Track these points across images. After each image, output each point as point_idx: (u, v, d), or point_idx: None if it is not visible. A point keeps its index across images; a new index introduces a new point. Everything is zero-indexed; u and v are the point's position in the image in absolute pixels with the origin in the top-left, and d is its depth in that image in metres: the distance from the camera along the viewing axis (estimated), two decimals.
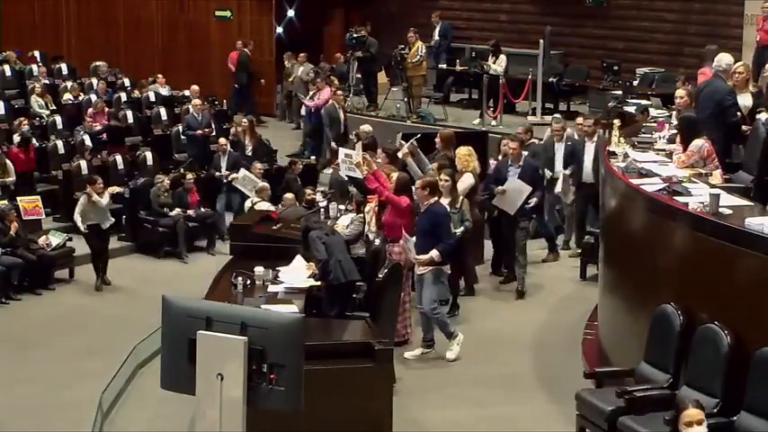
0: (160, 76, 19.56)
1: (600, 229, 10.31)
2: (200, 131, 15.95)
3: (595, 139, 12.60)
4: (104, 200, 12.62)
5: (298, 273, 9.31)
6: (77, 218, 12.44)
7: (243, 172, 14.30)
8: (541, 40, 17.59)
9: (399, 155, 11.42)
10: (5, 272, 11.91)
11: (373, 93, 19.01)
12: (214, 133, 16.40)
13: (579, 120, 13.70)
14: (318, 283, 9.15)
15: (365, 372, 7.68)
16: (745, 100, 9.71)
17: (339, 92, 17.87)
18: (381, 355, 7.68)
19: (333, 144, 16.30)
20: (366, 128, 14.25)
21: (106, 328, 11.09)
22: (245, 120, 16.60)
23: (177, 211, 13.86)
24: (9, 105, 17.30)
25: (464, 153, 11.62)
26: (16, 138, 15.00)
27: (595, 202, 11.99)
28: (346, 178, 11.51)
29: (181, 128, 16.32)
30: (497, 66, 17.88)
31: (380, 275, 9.07)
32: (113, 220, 12.88)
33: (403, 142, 11.76)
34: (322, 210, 11.37)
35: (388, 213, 10.10)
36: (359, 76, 19.40)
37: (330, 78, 18.70)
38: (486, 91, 17.48)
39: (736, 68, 9.88)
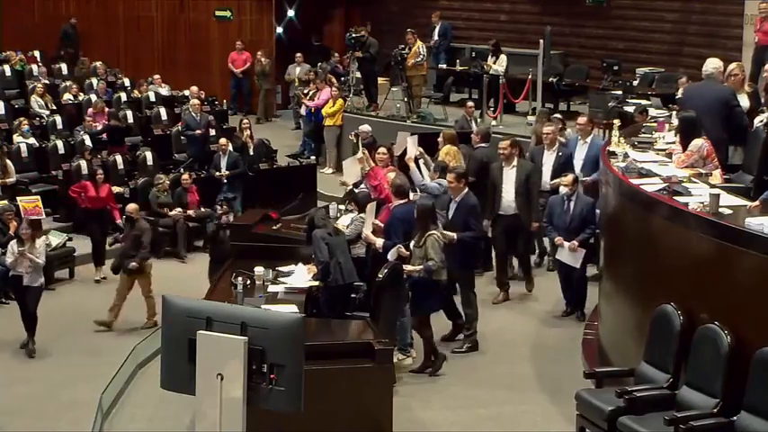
0: (157, 76, 19.57)
1: (600, 229, 10.30)
2: (198, 131, 15.99)
3: (515, 162, 11.26)
4: (34, 254, 10.40)
5: (299, 275, 9.33)
6: (8, 263, 10.66)
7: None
8: (541, 40, 17.58)
9: (405, 158, 11.49)
10: (5, 272, 11.89)
11: (373, 93, 19.02)
12: (214, 133, 16.45)
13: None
14: (318, 283, 9.15)
15: (365, 372, 7.69)
16: (741, 101, 9.72)
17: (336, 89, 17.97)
18: (381, 355, 7.69)
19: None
20: (365, 128, 14.27)
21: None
22: (245, 120, 16.57)
23: (177, 210, 13.86)
24: (9, 105, 17.32)
25: (455, 152, 11.79)
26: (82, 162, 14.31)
27: (519, 236, 11.38)
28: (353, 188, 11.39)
29: (179, 128, 16.35)
30: (498, 66, 17.88)
31: (381, 276, 9.07)
32: (42, 283, 10.57)
33: (419, 148, 11.82)
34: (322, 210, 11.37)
35: (383, 213, 10.15)
36: (359, 75, 19.43)
37: (328, 77, 18.74)
38: (486, 91, 17.49)
39: (732, 70, 9.88)
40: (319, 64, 20.81)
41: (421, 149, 11.75)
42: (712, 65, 9.75)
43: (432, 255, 9.17)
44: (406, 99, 17.87)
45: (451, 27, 21.05)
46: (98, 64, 20.11)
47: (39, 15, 23.66)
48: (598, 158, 11.39)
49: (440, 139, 12.36)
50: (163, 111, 17.55)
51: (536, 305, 11.40)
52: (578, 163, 11.96)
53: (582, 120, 12.53)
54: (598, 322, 9.84)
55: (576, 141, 12.32)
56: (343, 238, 9.53)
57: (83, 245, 13.10)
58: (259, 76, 21.34)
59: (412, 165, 11.26)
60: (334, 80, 18.93)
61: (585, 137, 12.23)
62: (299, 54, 20.81)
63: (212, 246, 12.06)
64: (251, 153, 15.66)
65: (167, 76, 19.93)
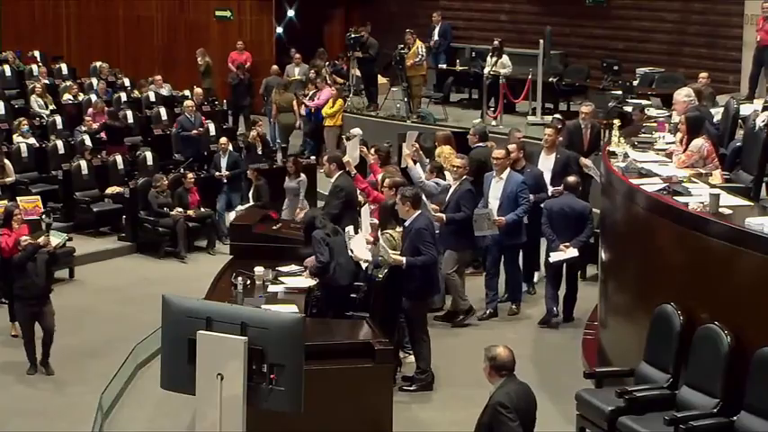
0: (159, 77, 19.56)
1: (600, 230, 10.30)
2: (194, 131, 16.02)
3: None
4: None
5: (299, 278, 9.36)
6: None
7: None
8: (541, 40, 17.59)
9: (404, 155, 11.51)
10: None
11: (373, 93, 19.02)
12: (213, 133, 16.44)
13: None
14: (315, 281, 9.16)
15: (365, 372, 7.70)
16: None
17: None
18: (381, 355, 7.69)
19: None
20: (356, 131, 14.27)
21: (106, 328, 11.08)
22: (260, 121, 16.42)
23: (177, 210, 13.86)
24: (9, 105, 17.31)
25: (448, 152, 11.92)
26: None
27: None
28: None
29: (174, 130, 16.37)
30: (499, 68, 17.80)
31: (380, 276, 9.06)
32: None
33: (416, 144, 11.85)
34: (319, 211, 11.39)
35: (374, 213, 10.21)
36: (359, 75, 19.42)
37: (332, 78, 18.73)
38: (486, 91, 17.49)
39: None
40: (318, 63, 20.78)
41: (417, 146, 11.78)
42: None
43: (382, 253, 9.20)
44: (406, 99, 17.89)
45: (451, 27, 21.05)
46: (98, 64, 20.11)
47: (39, 15, 23.66)
48: (516, 196, 10.59)
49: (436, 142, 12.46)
50: (163, 111, 17.54)
51: (536, 306, 11.39)
52: (494, 203, 10.61)
53: (499, 152, 10.81)
54: (598, 322, 9.84)
55: (490, 179, 10.84)
56: (343, 238, 9.53)
57: (83, 245, 13.07)
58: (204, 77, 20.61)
59: (410, 162, 11.29)
60: (338, 80, 18.89)
61: (501, 172, 10.71)
62: (297, 54, 20.78)
63: (18, 279, 9.97)
64: (259, 153, 15.56)
65: (167, 76, 19.91)
